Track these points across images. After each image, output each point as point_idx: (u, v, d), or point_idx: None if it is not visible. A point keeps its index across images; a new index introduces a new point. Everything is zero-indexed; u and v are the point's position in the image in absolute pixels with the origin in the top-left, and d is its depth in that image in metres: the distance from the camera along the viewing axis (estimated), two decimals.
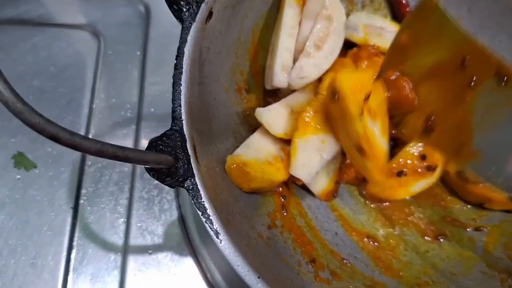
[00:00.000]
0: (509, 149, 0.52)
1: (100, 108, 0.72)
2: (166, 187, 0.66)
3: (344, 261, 0.58)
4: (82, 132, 0.70)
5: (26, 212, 0.64)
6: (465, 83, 0.52)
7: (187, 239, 0.65)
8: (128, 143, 0.70)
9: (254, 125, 0.61)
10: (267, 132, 0.58)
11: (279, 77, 0.59)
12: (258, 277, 0.40)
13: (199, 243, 0.63)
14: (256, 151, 0.57)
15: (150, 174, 0.40)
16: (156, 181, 0.40)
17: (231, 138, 0.57)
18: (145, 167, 0.40)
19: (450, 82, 0.54)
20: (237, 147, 0.57)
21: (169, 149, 0.41)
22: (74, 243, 0.63)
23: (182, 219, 0.66)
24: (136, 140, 0.70)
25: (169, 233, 0.65)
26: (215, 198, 0.44)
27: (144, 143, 0.70)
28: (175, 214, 0.66)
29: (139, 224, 0.65)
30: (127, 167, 0.68)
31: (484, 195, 0.60)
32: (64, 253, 0.63)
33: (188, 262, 0.64)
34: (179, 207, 0.67)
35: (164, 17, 0.80)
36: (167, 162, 0.40)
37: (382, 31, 0.67)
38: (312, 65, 0.60)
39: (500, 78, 0.49)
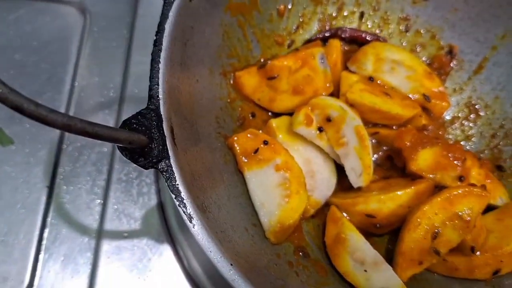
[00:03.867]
0: None
1: (82, 86, 0.70)
2: (146, 170, 0.64)
3: None
4: (62, 111, 0.68)
5: None
6: None
7: (164, 225, 0.63)
8: (109, 123, 0.68)
9: (238, 111, 0.60)
10: (251, 167, 0.56)
11: None
12: (231, 264, 0.38)
13: (176, 229, 0.62)
14: (267, 196, 0.55)
15: (122, 154, 0.39)
16: None
17: (213, 123, 0.55)
18: (117, 146, 0.38)
19: None
20: (220, 133, 0.55)
21: (143, 128, 0.39)
22: (48, 222, 0.62)
23: (160, 204, 0.64)
24: (118, 121, 0.68)
25: (146, 218, 0.63)
26: (192, 183, 0.42)
27: None
28: (153, 198, 0.64)
29: (115, 207, 0.63)
30: (106, 147, 0.66)
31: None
32: (37, 232, 0.61)
33: (165, 248, 0.62)
34: (158, 191, 0.65)
35: None
36: (140, 141, 0.38)
37: (396, 65, 0.64)
38: None
39: None
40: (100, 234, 0.61)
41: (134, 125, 0.39)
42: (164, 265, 0.61)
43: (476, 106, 0.66)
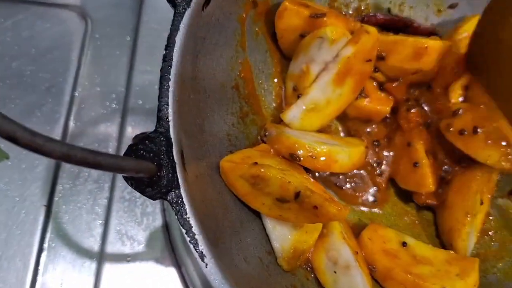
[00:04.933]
0: None
1: (83, 96, 0.66)
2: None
3: None
4: (61, 123, 0.64)
5: None
6: None
7: (170, 246, 0.59)
8: (111, 137, 0.64)
9: (250, 127, 0.56)
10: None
11: None
12: None
13: (182, 251, 0.58)
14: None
15: (127, 183, 0.35)
16: None
17: (225, 140, 0.51)
18: (123, 175, 0.34)
19: None
20: (231, 151, 0.51)
21: (151, 154, 0.35)
22: (45, 244, 0.58)
23: (166, 225, 0.60)
24: (120, 135, 0.64)
25: (151, 240, 0.59)
26: (203, 212, 0.38)
27: (128, 138, 0.64)
28: (158, 219, 0.60)
29: (118, 228, 0.59)
30: None
31: None
32: (34, 255, 0.57)
33: (170, 272, 0.58)
34: (163, 210, 0.61)
35: (158, 0, 0.74)
36: (148, 170, 0.34)
37: None
38: None
39: None
40: (101, 257, 0.57)
41: (141, 151, 0.35)
42: None
43: None
